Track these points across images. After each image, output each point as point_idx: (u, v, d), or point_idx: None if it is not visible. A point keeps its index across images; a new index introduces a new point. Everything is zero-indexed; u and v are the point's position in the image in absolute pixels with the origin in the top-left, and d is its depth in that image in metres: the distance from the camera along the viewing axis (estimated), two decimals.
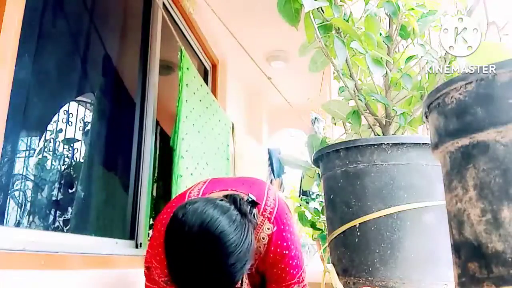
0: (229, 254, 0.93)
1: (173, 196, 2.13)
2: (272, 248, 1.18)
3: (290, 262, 1.21)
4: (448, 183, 0.59)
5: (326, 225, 1.26)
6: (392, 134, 1.23)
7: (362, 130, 1.28)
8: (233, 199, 1.06)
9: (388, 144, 1.04)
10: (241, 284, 1.16)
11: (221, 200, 1.03)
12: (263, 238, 1.18)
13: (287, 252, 1.20)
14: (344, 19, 1.17)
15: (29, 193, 1.78)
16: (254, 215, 1.10)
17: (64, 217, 1.96)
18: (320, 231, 2.89)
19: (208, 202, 0.99)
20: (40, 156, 1.86)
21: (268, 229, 1.18)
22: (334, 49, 1.07)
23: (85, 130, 2.13)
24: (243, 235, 0.97)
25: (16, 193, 1.73)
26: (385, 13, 1.22)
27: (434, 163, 0.99)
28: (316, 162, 1.29)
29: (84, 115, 2.12)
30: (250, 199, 1.11)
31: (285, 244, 1.19)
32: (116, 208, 2.18)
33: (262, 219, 1.19)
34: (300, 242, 1.29)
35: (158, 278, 1.25)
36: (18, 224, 1.68)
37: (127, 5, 2.53)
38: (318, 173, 1.39)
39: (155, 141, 2.44)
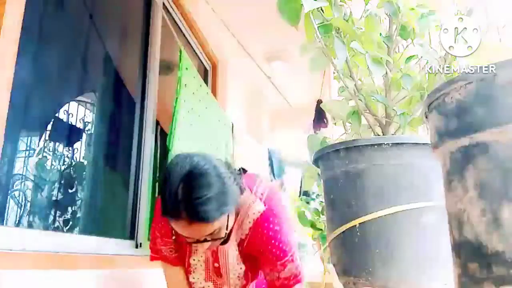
0: (211, 186, 1.08)
1: None
2: (265, 224, 1.26)
3: (282, 238, 1.27)
4: (448, 183, 0.59)
5: (326, 225, 1.26)
6: (392, 134, 1.23)
7: (362, 130, 1.28)
8: (224, 162, 1.23)
9: (388, 144, 1.04)
10: (226, 234, 1.22)
11: (211, 155, 1.20)
12: (254, 214, 1.27)
13: (278, 228, 1.27)
14: (344, 19, 1.17)
15: (29, 193, 1.78)
16: (240, 178, 1.25)
17: (64, 217, 1.96)
18: (320, 231, 2.89)
19: (197, 153, 1.17)
20: (40, 156, 1.86)
21: (259, 207, 1.27)
22: (334, 49, 1.07)
23: (85, 130, 2.13)
24: (225, 179, 1.13)
25: (16, 193, 1.73)
26: (385, 13, 1.22)
27: (434, 163, 0.99)
28: (316, 162, 1.29)
29: (84, 115, 2.12)
30: (240, 168, 1.29)
31: (276, 221, 1.27)
32: (116, 208, 2.18)
33: (254, 198, 1.27)
34: (293, 227, 1.36)
35: (159, 246, 1.37)
36: (18, 224, 1.68)
37: (127, 5, 2.53)
38: (318, 173, 1.39)
39: (155, 141, 2.43)
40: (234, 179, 1.19)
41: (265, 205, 1.27)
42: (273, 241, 1.26)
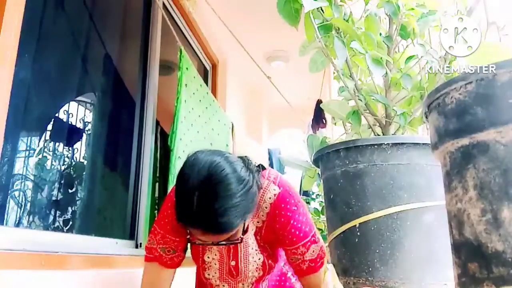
0: (231, 195, 1.02)
1: None
2: (282, 205, 1.22)
3: (301, 219, 1.24)
4: (448, 183, 0.59)
5: (326, 225, 1.26)
6: (392, 134, 1.23)
7: (362, 130, 1.28)
8: (241, 158, 1.16)
9: (388, 144, 1.04)
10: (241, 238, 1.17)
11: (230, 154, 1.13)
12: (270, 198, 1.22)
13: (295, 208, 1.23)
14: (344, 19, 1.17)
15: (29, 193, 1.78)
16: (259, 175, 1.19)
17: (64, 217, 1.96)
18: (320, 231, 2.89)
19: (215, 152, 1.10)
20: (40, 156, 1.86)
21: (274, 190, 1.23)
22: (334, 49, 1.07)
23: (85, 130, 2.13)
24: (246, 184, 1.06)
25: (16, 193, 1.73)
26: (385, 13, 1.22)
27: (434, 163, 0.99)
28: (316, 162, 1.29)
29: (84, 115, 2.12)
30: (257, 163, 1.22)
31: (292, 201, 1.23)
32: (116, 208, 2.18)
33: (268, 182, 1.23)
34: (309, 213, 1.31)
35: (157, 245, 1.30)
36: (18, 224, 1.68)
37: (127, 5, 2.53)
38: (318, 173, 1.39)
39: (155, 141, 2.43)
40: (253, 177, 1.12)
41: (279, 187, 1.23)
42: (292, 221, 1.21)
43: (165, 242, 1.29)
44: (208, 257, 1.31)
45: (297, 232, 1.23)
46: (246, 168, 1.11)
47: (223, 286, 1.32)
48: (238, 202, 1.03)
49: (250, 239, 1.26)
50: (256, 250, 1.27)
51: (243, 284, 1.31)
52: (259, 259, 1.29)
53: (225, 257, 1.29)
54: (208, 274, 1.32)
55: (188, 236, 1.23)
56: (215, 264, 1.31)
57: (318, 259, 1.26)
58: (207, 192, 1.01)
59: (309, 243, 1.24)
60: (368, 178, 1.05)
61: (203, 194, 1.01)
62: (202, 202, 1.01)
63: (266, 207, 1.23)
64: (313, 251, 1.25)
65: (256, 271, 1.30)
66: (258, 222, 1.25)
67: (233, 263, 1.28)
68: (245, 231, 1.16)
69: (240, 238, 1.15)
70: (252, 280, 1.31)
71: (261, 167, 1.24)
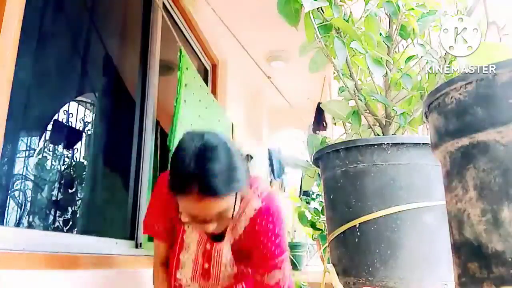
0: (225, 161, 1.07)
1: None
2: (258, 221, 1.24)
3: (274, 239, 1.25)
4: (448, 183, 0.59)
5: (326, 225, 1.26)
6: (392, 134, 1.23)
7: (362, 130, 1.28)
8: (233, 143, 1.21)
9: (388, 144, 1.04)
10: (222, 238, 1.22)
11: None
12: (250, 211, 1.25)
13: (271, 226, 1.25)
14: (344, 19, 1.17)
15: (29, 193, 1.78)
16: (248, 164, 1.23)
17: (64, 217, 1.96)
18: (320, 231, 2.89)
19: (209, 132, 1.15)
20: (40, 156, 1.86)
21: (256, 204, 1.25)
22: (334, 49, 1.07)
23: (85, 130, 2.13)
24: (236, 159, 1.11)
25: (16, 193, 1.73)
26: (385, 13, 1.22)
27: (434, 163, 0.99)
28: (316, 162, 1.29)
29: (84, 115, 2.12)
30: (247, 154, 1.26)
31: (271, 219, 1.25)
32: (116, 208, 2.18)
33: (252, 195, 1.25)
34: (286, 237, 1.31)
35: (153, 223, 1.36)
36: (18, 224, 1.68)
37: (127, 5, 2.53)
38: (318, 173, 1.39)
39: (155, 141, 2.43)
40: (243, 160, 1.18)
41: (262, 203, 1.25)
42: (264, 238, 1.23)
43: (159, 222, 1.34)
44: (184, 256, 1.33)
45: (265, 250, 1.24)
46: (235, 148, 1.17)
47: (194, 286, 1.33)
48: (229, 169, 1.08)
49: (225, 249, 1.28)
50: (230, 259, 1.29)
51: None
52: (231, 269, 1.30)
53: (200, 258, 1.31)
54: (180, 274, 1.34)
55: (183, 219, 1.21)
56: (189, 264, 1.33)
57: (274, 286, 1.25)
58: (202, 157, 1.07)
59: (272, 267, 1.24)
60: (368, 178, 1.05)
61: (198, 159, 1.06)
62: (198, 166, 1.06)
63: (245, 220, 1.25)
64: (274, 276, 1.24)
65: (228, 280, 1.31)
66: (236, 234, 1.27)
67: (206, 265, 1.30)
68: (229, 226, 1.22)
69: (232, 216, 1.16)
70: (222, 286, 1.31)
71: (249, 158, 1.27)
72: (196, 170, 1.05)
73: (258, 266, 1.26)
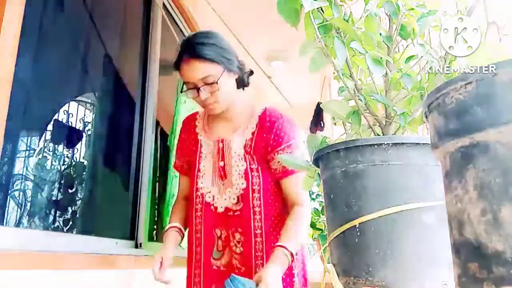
0: (210, 39, 1.42)
1: (168, 198, 2.14)
2: (268, 113, 1.52)
3: (285, 124, 1.49)
4: (448, 183, 0.59)
5: (326, 225, 1.26)
6: (392, 134, 1.23)
7: (362, 130, 1.27)
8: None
9: (388, 144, 1.04)
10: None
11: None
12: (258, 112, 1.53)
13: (280, 116, 1.50)
14: (344, 19, 1.17)
15: (29, 193, 1.78)
16: (248, 74, 1.58)
17: (64, 217, 1.96)
18: (320, 231, 2.89)
19: None
20: (40, 156, 1.86)
21: (263, 107, 1.55)
22: (334, 49, 1.07)
23: (85, 130, 2.13)
24: (229, 48, 1.48)
25: (16, 193, 1.73)
26: (385, 13, 1.22)
27: (434, 163, 0.99)
28: (316, 162, 1.29)
29: (84, 115, 2.12)
30: (249, 69, 1.61)
31: (278, 113, 1.52)
32: (116, 208, 2.18)
33: (260, 105, 1.56)
34: (298, 129, 1.59)
35: (181, 161, 1.64)
36: (18, 224, 1.68)
37: (127, 5, 2.53)
38: (318, 173, 1.39)
39: (155, 141, 2.43)
40: (241, 66, 1.50)
41: (267, 107, 1.53)
42: (276, 125, 1.47)
43: (183, 154, 1.62)
44: (204, 166, 1.54)
45: (282, 134, 1.46)
46: (233, 50, 1.52)
47: (214, 190, 1.50)
48: (217, 47, 1.40)
49: (234, 145, 1.48)
50: (239, 156, 1.48)
51: (230, 190, 1.48)
52: (242, 165, 1.47)
53: (215, 158, 1.52)
54: (201, 183, 1.52)
55: (183, 94, 1.51)
56: (209, 169, 1.52)
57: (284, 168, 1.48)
58: (194, 36, 1.43)
59: (280, 151, 1.45)
60: (368, 178, 1.05)
61: (191, 37, 1.43)
62: (189, 40, 1.42)
63: (255, 120, 1.51)
64: (291, 181, 1.48)
65: (240, 177, 1.46)
66: (248, 134, 1.49)
67: (221, 163, 1.50)
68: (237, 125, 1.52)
69: (216, 83, 1.40)
70: (237, 190, 1.47)
71: (250, 71, 1.59)
72: (187, 42, 1.40)
73: (277, 151, 1.46)
